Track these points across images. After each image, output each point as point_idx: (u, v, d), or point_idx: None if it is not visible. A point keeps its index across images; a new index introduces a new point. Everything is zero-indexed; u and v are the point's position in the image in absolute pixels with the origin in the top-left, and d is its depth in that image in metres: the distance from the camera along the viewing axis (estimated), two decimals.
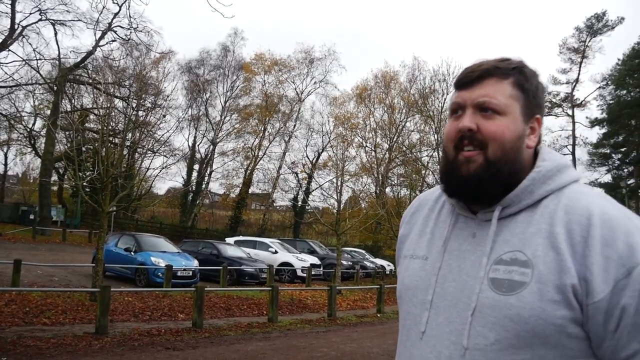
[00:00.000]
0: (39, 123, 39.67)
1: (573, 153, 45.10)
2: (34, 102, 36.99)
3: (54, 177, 40.53)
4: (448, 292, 1.17)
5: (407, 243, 1.35)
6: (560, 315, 1.03)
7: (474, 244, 1.18)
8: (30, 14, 32.34)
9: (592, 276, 1.02)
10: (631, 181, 40.55)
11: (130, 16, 33.62)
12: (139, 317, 11.38)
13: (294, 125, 46.32)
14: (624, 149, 43.81)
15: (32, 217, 34.60)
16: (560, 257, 1.05)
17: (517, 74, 1.20)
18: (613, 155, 44.51)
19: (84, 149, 17.07)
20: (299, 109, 46.68)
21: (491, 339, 1.07)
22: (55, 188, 42.63)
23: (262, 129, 45.48)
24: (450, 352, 1.12)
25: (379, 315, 15.17)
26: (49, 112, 34.56)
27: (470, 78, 1.20)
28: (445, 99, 37.90)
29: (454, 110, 1.21)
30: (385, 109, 41.54)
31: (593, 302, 1.02)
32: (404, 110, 41.25)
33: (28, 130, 38.39)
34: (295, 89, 46.96)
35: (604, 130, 44.55)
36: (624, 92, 42.34)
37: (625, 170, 44.09)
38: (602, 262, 1.01)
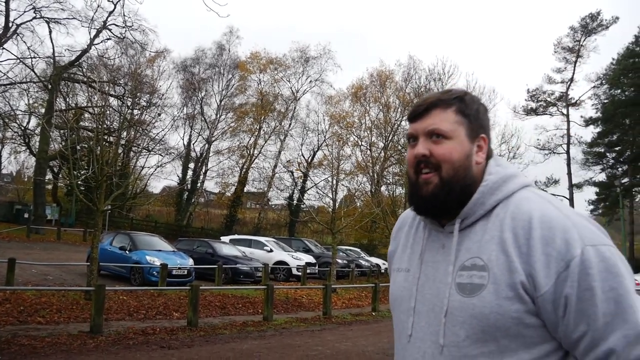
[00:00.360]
0: (33, 121, 39.55)
1: (568, 152, 45.24)
2: (28, 100, 36.83)
3: (49, 176, 40.40)
4: (426, 298, 1.34)
5: (395, 257, 1.55)
6: (515, 309, 1.19)
7: (444, 254, 1.36)
8: (25, 12, 32.28)
9: (537, 273, 1.18)
10: (625, 180, 40.68)
11: (125, 14, 33.58)
12: (133, 315, 11.37)
13: (290, 124, 46.37)
14: (618, 147, 43.98)
15: (26, 215, 34.50)
16: (510, 259, 1.22)
17: (458, 102, 1.38)
18: (607, 154, 44.66)
19: (78, 147, 17.00)
20: (295, 107, 46.75)
21: (462, 336, 1.24)
22: (49, 187, 42.49)
23: (258, 127, 45.48)
24: (433, 350, 1.29)
25: (374, 313, 15.20)
26: (43, 110, 34.40)
27: (418, 111, 1.39)
28: None
29: (409, 140, 1.41)
30: (381, 107, 41.53)
31: (540, 294, 1.18)
32: (399, 109, 41.22)
33: (22, 128, 38.21)
34: (291, 87, 47.03)
35: (598, 129, 44.70)
36: (619, 91, 42.49)
37: (620, 169, 44.25)
38: (544, 260, 1.18)
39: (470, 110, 1.38)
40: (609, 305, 1.15)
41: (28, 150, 39.90)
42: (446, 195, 1.33)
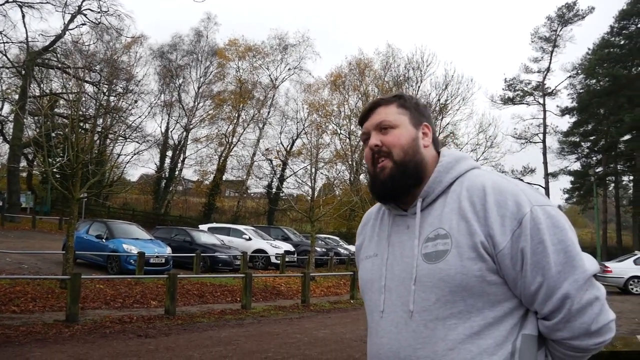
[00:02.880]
0: (6, 108, 38.70)
1: (544, 141, 45.87)
2: (1, 86, 35.97)
3: (23, 163, 39.64)
4: (396, 275, 1.46)
5: (362, 250, 1.67)
6: (478, 268, 1.32)
7: (408, 233, 1.48)
8: None
9: (494, 232, 1.32)
10: (600, 169, 41.40)
11: None
12: (110, 304, 11.28)
13: (268, 112, 46.19)
14: (593, 137, 44.73)
15: (0, 203, 33.89)
16: (469, 224, 1.35)
17: (398, 99, 1.57)
18: (582, 143, 45.41)
19: (53, 134, 16.71)
20: (273, 95, 46.53)
21: (432, 299, 1.36)
22: (24, 174, 41.78)
23: (236, 115, 45.22)
24: (405, 319, 1.40)
25: (352, 301, 15.29)
26: (17, 96, 33.68)
27: (366, 112, 1.58)
28: (419, 87, 38.10)
29: (364, 139, 1.57)
30: (360, 96, 41.52)
31: (499, 250, 1.32)
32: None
33: None
34: (270, 75, 46.76)
35: (574, 119, 45.41)
36: (594, 81, 43.13)
37: (594, 158, 45.06)
38: (499, 220, 1.33)
39: (410, 104, 1.57)
40: (559, 255, 1.30)
41: (1, 137, 39.09)
42: (402, 175, 1.47)
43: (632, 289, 20.12)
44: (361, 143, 36.52)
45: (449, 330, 1.34)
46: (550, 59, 45.99)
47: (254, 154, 45.67)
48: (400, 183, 1.48)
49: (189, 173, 50.77)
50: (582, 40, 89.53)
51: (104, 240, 16.63)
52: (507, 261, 1.32)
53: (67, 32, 33.64)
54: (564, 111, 45.55)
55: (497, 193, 1.36)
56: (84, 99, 19.89)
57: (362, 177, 34.95)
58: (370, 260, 1.57)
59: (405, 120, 1.53)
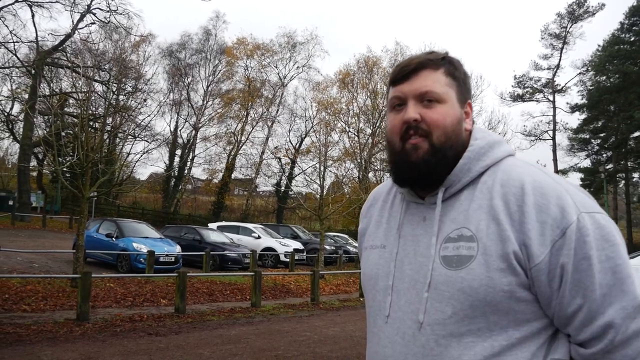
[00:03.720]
0: (16, 107, 39.01)
1: (553, 138, 45.60)
2: (11, 85, 36.28)
3: (33, 163, 39.93)
4: (406, 275, 1.25)
5: (366, 235, 1.45)
6: (507, 282, 1.12)
7: (425, 227, 1.26)
8: None
9: (531, 241, 1.11)
10: (610, 166, 41.11)
11: None
12: (120, 303, 11.32)
13: (277, 110, 46.17)
14: (603, 134, 44.39)
15: (11, 203, 34.14)
16: (501, 228, 1.14)
17: (447, 64, 1.28)
18: (592, 140, 45.09)
19: (63, 133, 16.83)
20: (282, 93, 46.51)
21: (448, 312, 1.15)
22: (34, 174, 42.04)
23: (245, 113, 45.24)
24: (413, 330, 1.20)
25: (361, 299, 15.24)
26: (27, 96, 33.90)
27: (406, 72, 1.27)
28: None
29: (394, 104, 1.29)
30: (368, 94, 41.43)
31: (535, 264, 1.11)
32: (386, 96, 41.22)
33: (5, 114, 37.69)
34: (278, 73, 46.77)
35: (584, 116, 45.07)
36: (604, 78, 42.78)
37: (604, 155, 44.70)
38: (538, 227, 1.11)
39: (460, 73, 1.30)
40: (607, 275, 1.09)
41: (12, 137, 39.38)
42: (438, 163, 1.23)
43: None
44: (369, 141, 36.59)
45: (464, 349, 1.14)
46: (560, 56, 45.71)
47: (262, 152, 45.74)
48: (434, 171, 1.24)
49: (198, 172, 50.90)
50: (592, 37, 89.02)
51: (114, 239, 16.70)
52: (542, 277, 1.11)
53: (76, 31, 33.78)
54: (574, 108, 45.24)
55: (538, 193, 1.14)
56: (93, 98, 19.98)
57: (370, 175, 34.88)
58: (377, 252, 1.36)
59: (453, 95, 1.27)
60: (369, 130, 39.84)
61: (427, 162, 1.23)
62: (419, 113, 1.23)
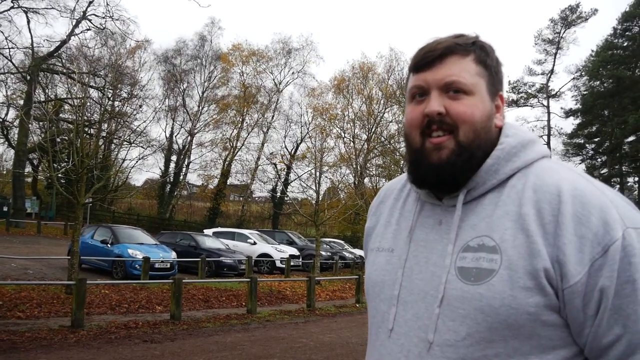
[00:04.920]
0: (11, 113, 38.85)
1: (548, 143, 45.71)
2: (6, 91, 36.19)
3: (28, 169, 39.77)
4: (415, 285, 1.09)
5: (373, 235, 1.28)
6: (534, 303, 0.96)
7: (440, 232, 1.10)
8: (2, 1, 31.64)
9: (566, 258, 0.94)
10: (604, 170, 41.31)
11: (106, 4, 33.14)
12: (115, 309, 11.27)
13: (272, 116, 46.21)
14: (598, 139, 44.62)
15: (5, 209, 33.95)
16: (531, 240, 0.98)
17: (478, 50, 1.12)
18: (587, 145, 45.32)
19: (58, 139, 16.79)
20: (277, 99, 46.58)
21: (462, 334, 1.00)
22: (29, 180, 41.89)
23: (240, 119, 45.25)
24: (419, 350, 1.05)
25: (357, 305, 15.25)
26: (22, 102, 33.86)
27: (431, 58, 1.10)
28: None
29: (415, 94, 1.12)
30: (364, 99, 41.60)
31: (569, 285, 0.95)
32: (382, 101, 41.35)
33: (0, 120, 37.58)
34: (274, 79, 46.85)
35: (578, 121, 45.33)
36: (598, 83, 43.04)
37: (599, 159, 44.94)
38: (575, 242, 0.94)
39: (492, 61, 1.13)
40: None
41: (7, 143, 39.26)
42: (465, 164, 1.07)
43: None
44: (365, 147, 36.62)
45: None
46: (554, 61, 45.90)
47: (258, 158, 45.73)
48: (459, 173, 1.07)
49: (193, 177, 50.85)
50: (585, 42, 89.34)
51: (109, 245, 16.64)
52: (576, 300, 0.95)
53: (72, 37, 33.80)
54: (568, 113, 45.47)
55: (578, 202, 0.97)
56: (88, 104, 19.95)
57: (366, 180, 34.91)
58: (384, 255, 1.19)
59: (483, 86, 1.10)
60: (364, 136, 39.97)
61: (452, 164, 1.07)
62: (444, 105, 1.07)
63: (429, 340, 1.03)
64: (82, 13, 33.29)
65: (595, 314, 0.95)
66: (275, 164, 45.97)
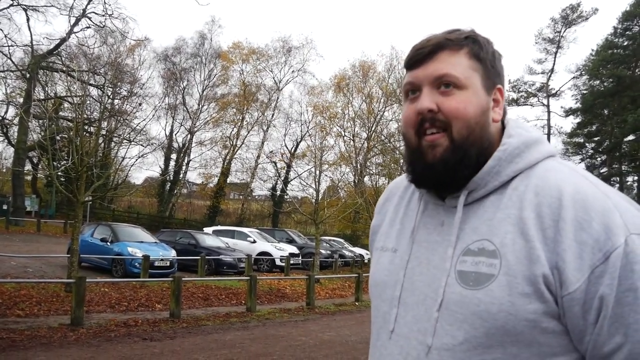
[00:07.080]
0: (11, 111, 38.82)
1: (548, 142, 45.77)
2: (5, 89, 36.15)
3: (28, 167, 39.81)
4: (416, 287, 1.08)
5: (379, 234, 1.27)
6: (532, 310, 0.94)
7: (442, 233, 1.08)
8: None
9: (565, 264, 0.92)
10: (604, 170, 41.31)
11: (105, 2, 33.06)
12: (115, 307, 11.27)
13: (272, 115, 46.22)
14: (597, 138, 44.63)
15: (5, 207, 33.97)
16: (530, 245, 0.95)
17: (471, 44, 1.09)
18: (587, 144, 45.33)
19: (58, 137, 16.77)
20: (277, 98, 46.60)
21: (459, 338, 0.98)
22: (29, 178, 41.90)
23: (240, 118, 45.25)
24: (418, 352, 1.04)
25: (357, 303, 15.25)
26: (21, 100, 33.81)
27: (421, 54, 1.08)
28: None
29: (408, 91, 1.11)
30: (364, 98, 41.60)
31: (568, 292, 0.92)
32: (382, 100, 41.37)
33: (0, 118, 37.56)
34: (274, 77, 46.85)
35: (578, 120, 45.35)
36: (598, 82, 43.04)
37: (599, 159, 44.94)
38: (575, 248, 0.92)
39: (486, 54, 1.10)
40: None
41: (6, 141, 39.25)
42: (459, 162, 1.05)
43: None
44: (365, 145, 36.65)
45: None
46: (554, 60, 45.91)
47: (258, 157, 45.75)
48: (453, 172, 1.06)
49: (193, 176, 50.82)
50: (585, 41, 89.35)
51: (108, 243, 16.64)
52: (576, 308, 0.92)
53: (71, 35, 33.75)
54: (568, 112, 45.49)
55: (579, 207, 0.94)
56: (88, 102, 19.90)
57: (366, 179, 34.91)
58: (388, 255, 1.18)
59: (477, 80, 1.07)
60: (364, 135, 39.96)
61: (446, 162, 1.05)
62: (435, 102, 1.05)
63: (428, 344, 1.02)
64: (81, 11, 33.26)
65: (596, 322, 0.92)
66: (275, 163, 46.00)
